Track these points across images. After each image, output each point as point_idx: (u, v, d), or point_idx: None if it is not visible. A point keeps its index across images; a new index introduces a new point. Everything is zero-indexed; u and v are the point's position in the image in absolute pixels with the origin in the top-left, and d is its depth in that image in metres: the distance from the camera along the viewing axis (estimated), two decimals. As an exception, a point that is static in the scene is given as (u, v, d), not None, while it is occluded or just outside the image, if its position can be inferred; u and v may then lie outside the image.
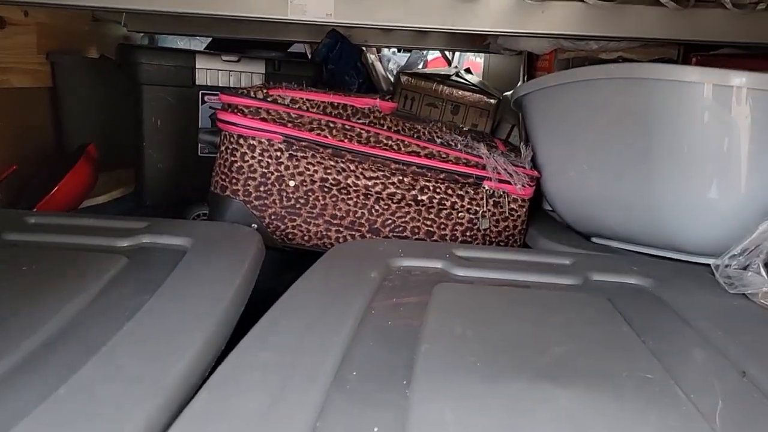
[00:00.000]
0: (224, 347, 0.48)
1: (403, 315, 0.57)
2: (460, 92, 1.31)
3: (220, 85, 1.03)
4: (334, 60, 1.34)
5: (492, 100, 1.30)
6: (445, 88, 1.31)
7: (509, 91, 1.48)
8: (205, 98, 1.03)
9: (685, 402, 0.41)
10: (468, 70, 1.54)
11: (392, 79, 1.58)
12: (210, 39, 1.52)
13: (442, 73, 1.42)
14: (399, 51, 1.83)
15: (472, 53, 1.92)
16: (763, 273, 0.61)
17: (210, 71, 1.02)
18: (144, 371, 0.41)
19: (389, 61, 1.81)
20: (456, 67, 1.63)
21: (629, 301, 0.60)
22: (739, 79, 0.64)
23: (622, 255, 0.78)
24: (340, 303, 0.56)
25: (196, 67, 1.01)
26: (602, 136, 0.74)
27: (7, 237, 0.67)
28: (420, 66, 1.82)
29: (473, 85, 1.35)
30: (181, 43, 1.61)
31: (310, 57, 1.47)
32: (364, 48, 1.44)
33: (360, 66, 1.38)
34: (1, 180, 0.90)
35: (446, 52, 1.84)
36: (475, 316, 0.57)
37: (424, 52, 1.83)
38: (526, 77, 1.16)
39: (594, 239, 0.85)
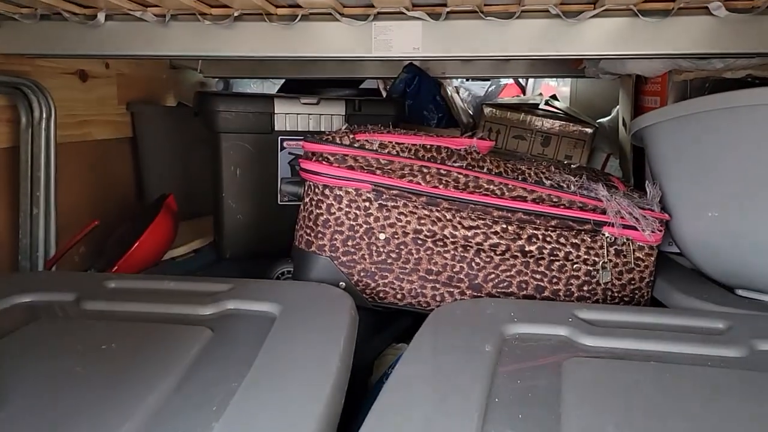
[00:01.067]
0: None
1: (534, 405, 0.47)
2: (550, 122, 1.21)
3: (299, 129, 0.98)
4: (412, 95, 1.27)
5: (588, 130, 1.18)
6: (535, 118, 1.21)
7: (601, 118, 1.36)
8: (284, 144, 0.98)
9: None
10: (554, 97, 1.43)
11: (470, 110, 1.49)
12: (282, 80, 1.49)
13: (529, 102, 1.32)
14: (467, 80, 1.75)
15: (552, 79, 1.81)
16: None
17: (289, 116, 0.97)
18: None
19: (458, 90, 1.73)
20: (540, 94, 1.53)
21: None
22: None
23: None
24: (457, 390, 0.47)
25: (275, 112, 0.96)
26: (762, 170, 0.61)
27: (85, 306, 0.62)
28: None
29: (565, 113, 1.24)
30: (254, 86, 1.60)
31: (385, 93, 1.41)
32: (441, 81, 1.37)
33: (439, 100, 1.30)
34: (82, 237, 0.87)
35: (520, 79, 1.74)
36: (622, 406, 0.46)
37: (501, 80, 1.74)
38: (634, 103, 1.03)
39: (740, 292, 0.71)
